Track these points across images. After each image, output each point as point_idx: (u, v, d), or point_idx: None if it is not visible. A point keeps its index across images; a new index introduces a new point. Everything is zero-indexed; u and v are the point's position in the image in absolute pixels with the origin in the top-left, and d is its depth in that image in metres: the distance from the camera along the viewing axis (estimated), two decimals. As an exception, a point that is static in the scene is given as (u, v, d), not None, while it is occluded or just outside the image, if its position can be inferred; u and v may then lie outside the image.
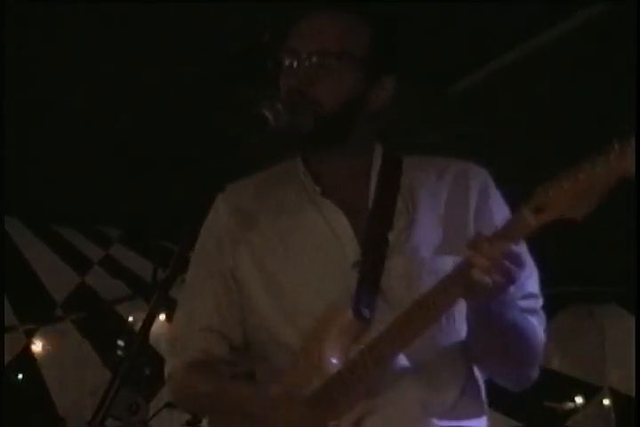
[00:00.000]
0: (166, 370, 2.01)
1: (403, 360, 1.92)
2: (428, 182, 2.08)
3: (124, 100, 3.99)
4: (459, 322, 1.98)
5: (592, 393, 5.80)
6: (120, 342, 5.06)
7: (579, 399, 5.81)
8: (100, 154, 4.47)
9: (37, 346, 5.18)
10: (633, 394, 5.51)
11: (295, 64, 1.97)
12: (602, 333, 5.79)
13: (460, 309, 1.94)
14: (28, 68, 3.81)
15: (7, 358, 5.04)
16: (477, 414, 2.00)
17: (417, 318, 1.84)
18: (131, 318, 5.28)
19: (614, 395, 5.72)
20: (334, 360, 1.92)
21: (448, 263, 1.91)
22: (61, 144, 4.37)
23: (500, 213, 2.01)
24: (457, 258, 1.86)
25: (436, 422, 1.92)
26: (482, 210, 2.02)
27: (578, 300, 5.73)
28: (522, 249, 1.82)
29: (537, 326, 1.97)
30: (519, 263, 1.76)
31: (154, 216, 5.06)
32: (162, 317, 4.07)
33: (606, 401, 5.75)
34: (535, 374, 2.02)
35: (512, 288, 1.84)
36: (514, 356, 1.98)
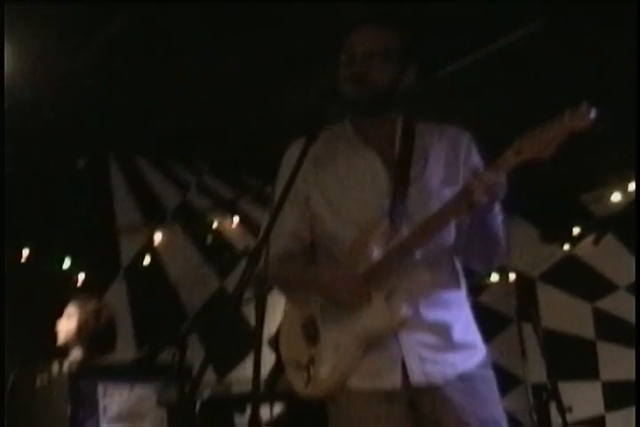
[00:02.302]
0: (267, 258, 2.09)
1: (418, 255, 2.21)
2: (433, 140, 2.32)
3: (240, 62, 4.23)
4: (450, 233, 2.27)
5: (502, 273, 6.63)
6: (209, 238, 6.02)
7: (493, 277, 6.69)
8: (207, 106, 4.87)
9: (157, 239, 5.97)
10: (531, 273, 6.50)
11: (353, 59, 2.25)
12: (507, 233, 6.27)
13: (451, 226, 2.22)
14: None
15: (137, 247, 5.86)
16: (457, 288, 2.33)
17: (435, 223, 2.14)
18: (215, 223, 6.07)
19: (517, 275, 6.57)
20: (376, 252, 2.16)
21: (448, 192, 2.20)
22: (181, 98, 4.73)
23: (478, 161, 2.29)
24: (454, 189, 2.17)
25: (436, 293, 2.26)
26: (468, 159, 2.31)
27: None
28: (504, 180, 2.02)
29: (502, 230, 2.25)
30: (503, 189, 2.04)
31: (240, 156, 5.65)
32: (235, 219, 5.45)
33: (511, 277, 6.57)
34: (497, 261, 2.33)
35: (495, 206, 2.16)
36: (487, 246, 2.27)
